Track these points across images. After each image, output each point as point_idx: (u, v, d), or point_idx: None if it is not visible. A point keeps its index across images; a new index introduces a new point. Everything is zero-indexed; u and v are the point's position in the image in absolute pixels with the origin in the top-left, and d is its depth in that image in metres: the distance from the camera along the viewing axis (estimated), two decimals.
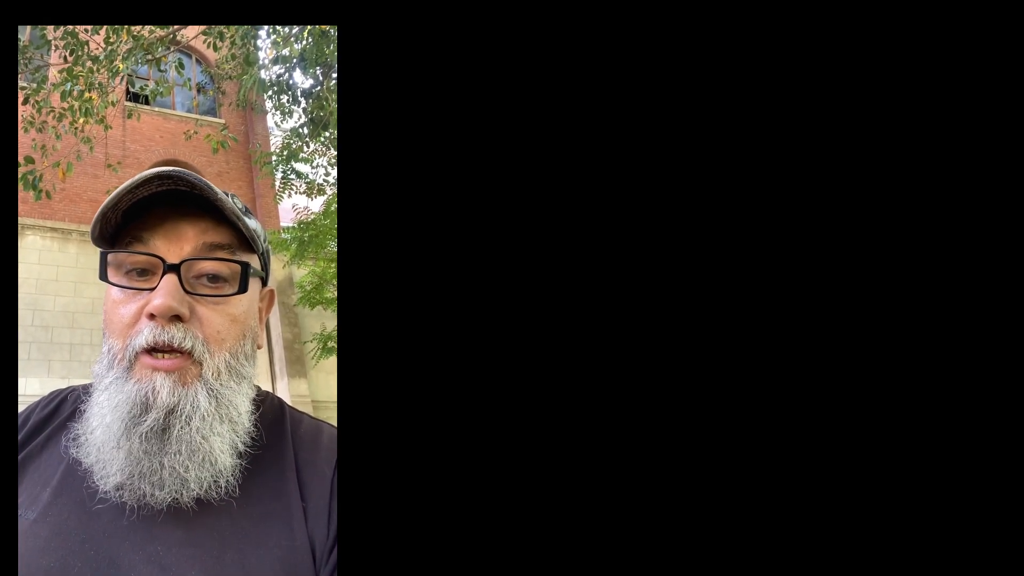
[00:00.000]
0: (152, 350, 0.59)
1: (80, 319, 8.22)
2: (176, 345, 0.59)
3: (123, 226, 0.62)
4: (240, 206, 0.68)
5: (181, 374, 0.59)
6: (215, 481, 0.59)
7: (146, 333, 0.59)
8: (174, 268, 0.60)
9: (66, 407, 0.69)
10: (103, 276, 0.62)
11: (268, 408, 0.71)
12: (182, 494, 0.58)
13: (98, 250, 0.63)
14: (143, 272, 0.62)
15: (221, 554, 0.57)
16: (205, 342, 0.61)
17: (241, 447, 0.62)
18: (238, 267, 0.63)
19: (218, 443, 0.59)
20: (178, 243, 0.61)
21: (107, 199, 0.60)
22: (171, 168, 0.60)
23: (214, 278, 0.62)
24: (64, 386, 0.73)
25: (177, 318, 0.59)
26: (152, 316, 0.58)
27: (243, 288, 0.63)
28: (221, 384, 0.61)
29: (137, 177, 0.59)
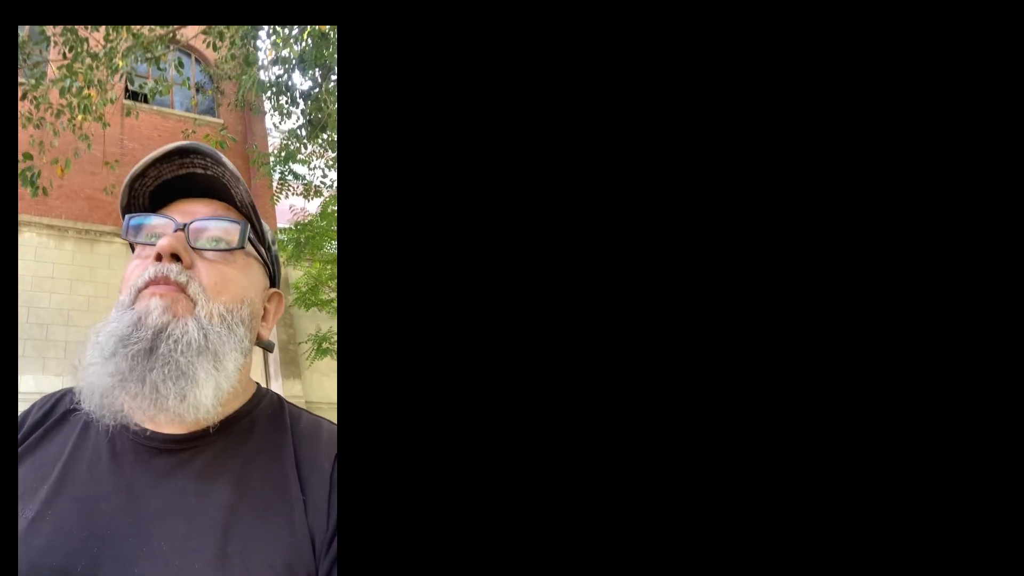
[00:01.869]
0: (152, 283, 0.64)
1: (76, 317, 8.17)
2: (172, 278, 0.63)
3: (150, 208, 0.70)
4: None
5: (174, 302, 0.63)
6: (196, 411, 0.62)
7: (149, 270, 0.64)
8: (182, 227, 0.66)
9: (61, 406, 0.71)
10: (125, 235, 0.70)
11: (267, 404, 0.73)
12: (159, 417, 0.62)
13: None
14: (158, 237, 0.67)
15: (223, 547, 0.58)
16: (202, 287, 0.65)
17: (224, 394, 0.64)
18: (237, 228, 0.68)
19: (202, 374, 0.62)
20: (190, 217, 0.68)
21: (133, 168, 0.67)
22: (189, 143, 0.67)
23: (217, 241, 0.68)
24: (59, 384, 0.76)
25: (177, 258, 0.64)
26: (158, 258, 0.64)
27: (241, 244, 0.68)
28: (212, 325, 0.64)
29: (159, 150, 0.66)
